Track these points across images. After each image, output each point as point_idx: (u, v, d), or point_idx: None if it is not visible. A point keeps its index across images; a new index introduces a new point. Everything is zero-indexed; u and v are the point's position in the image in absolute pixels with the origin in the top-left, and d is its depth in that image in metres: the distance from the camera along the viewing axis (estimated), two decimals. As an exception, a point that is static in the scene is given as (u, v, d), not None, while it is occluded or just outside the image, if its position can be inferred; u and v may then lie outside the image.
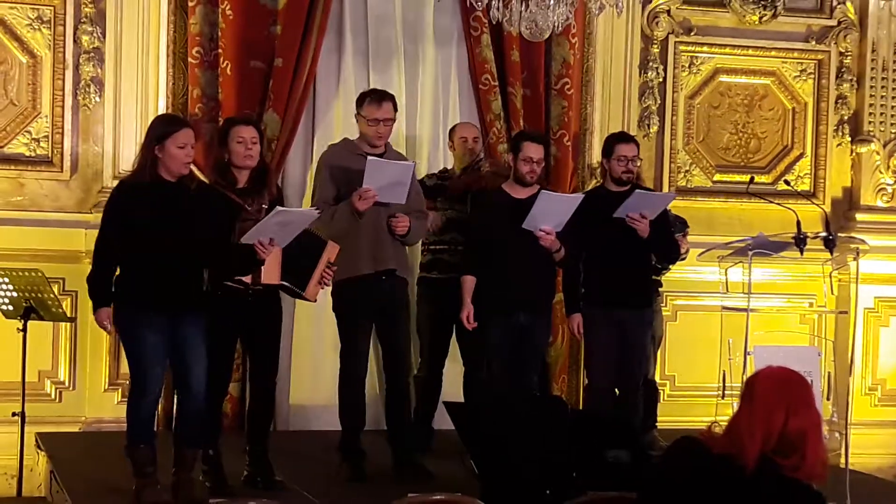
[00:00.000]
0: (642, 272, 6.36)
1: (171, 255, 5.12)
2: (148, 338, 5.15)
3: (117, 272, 5.24)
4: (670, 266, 6.78)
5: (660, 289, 6.84)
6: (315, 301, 5.81)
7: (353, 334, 5.82)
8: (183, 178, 5.22)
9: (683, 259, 6.78)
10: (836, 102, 8.02)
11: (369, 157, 5.60)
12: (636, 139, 6.49)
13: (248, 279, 5.40)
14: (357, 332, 5.82)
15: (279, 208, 5.22)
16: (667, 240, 6.33)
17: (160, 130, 5.22)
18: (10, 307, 6.10)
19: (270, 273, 5.42)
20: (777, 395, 2.98)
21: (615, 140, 6.35)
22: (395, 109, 5.90)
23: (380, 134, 5.79)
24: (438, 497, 3.77)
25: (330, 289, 5.80)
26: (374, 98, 5.84)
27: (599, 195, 6.35)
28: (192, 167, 5.25)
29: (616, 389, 6.28)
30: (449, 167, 6.82)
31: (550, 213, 5.89)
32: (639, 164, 6.43)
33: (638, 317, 6.27)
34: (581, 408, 6.94)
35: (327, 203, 5.74)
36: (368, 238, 5.73)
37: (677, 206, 6.53)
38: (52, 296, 6.06)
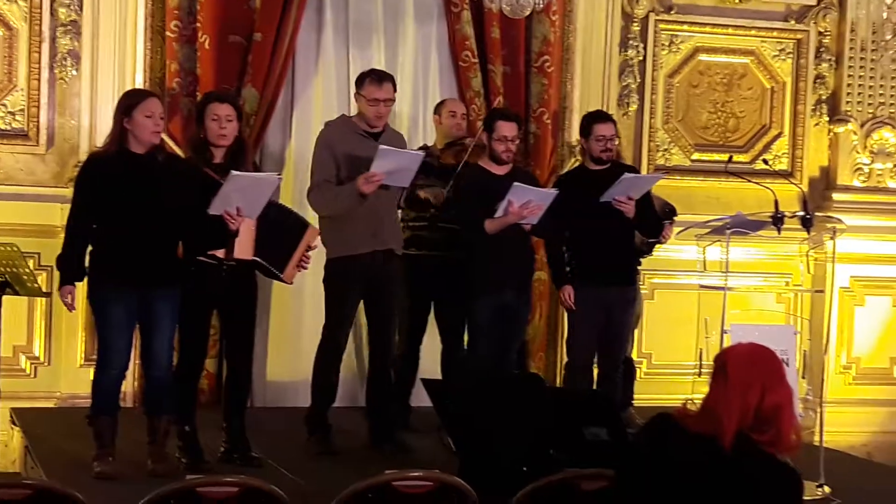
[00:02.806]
0: (626, 251, 6.36)
1: (141, 227, 5.13)
2: (115, 311, 5.18)
3: (90, 248, 5.23)
4: (652, 249, 6.80)
5: (638, 267, 6.84)
6: (292, 283, 5.80)
7: (339, 308, 5.82)
8: (153, 149, 5.22)
9: (662, 243, 6.79)
10: (815, 82, 8.03)
11: (380, 146, 5.59)
12: (613, 118, 6.47)
13: (221, 254, 5.38)
14: (344, 306, 5.83)
15: (233, 173, 5.17)
16: (649, 215, 6.32)
17: (127, 102, 5.27)
18: (-15, 282, 6.04)
19: (244, 248, 5.41)
20: (752, 372, 3.00)
21: (592, 120, 6.32)
22: (395, 90, 5.90)
23: (379, 114, 5.80)
24: (416, 473, 3.77)
25: (307, 271, 5.79)
26: (374, 78, 5.84)
27: (580, 174, 6.34)
28: (166, 139, 5.24)
29: (595, 367, 6.30)
30: (430, 143, 6.79)
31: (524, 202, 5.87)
32: (618, 143, 6.42)
33: (623, 295, 6.29)
34: (559, 385, 6.94)
35: (329, 182, 5.76)
36: (368, 218, 5.73)
37: (657, 185, 6.53)
38: (27, 271, 5.99)
